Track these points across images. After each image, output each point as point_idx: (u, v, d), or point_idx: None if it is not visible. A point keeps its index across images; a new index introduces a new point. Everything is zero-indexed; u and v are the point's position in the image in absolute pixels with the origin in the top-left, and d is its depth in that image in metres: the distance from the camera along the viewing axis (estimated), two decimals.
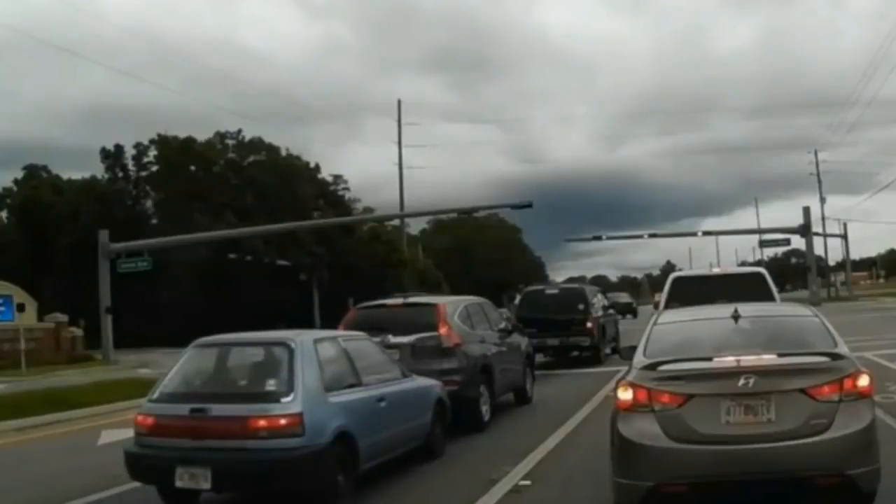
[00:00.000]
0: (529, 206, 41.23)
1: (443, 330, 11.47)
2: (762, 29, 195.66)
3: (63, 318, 33.87)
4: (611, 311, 25.53)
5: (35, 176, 55.24)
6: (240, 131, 56.69)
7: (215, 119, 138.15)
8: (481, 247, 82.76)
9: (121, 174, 54.31)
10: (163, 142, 53.06)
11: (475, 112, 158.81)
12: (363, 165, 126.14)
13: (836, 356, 5.97)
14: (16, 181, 56.51)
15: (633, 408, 5.94)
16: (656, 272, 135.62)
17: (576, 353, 21.35)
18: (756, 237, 71.24)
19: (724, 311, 6.83)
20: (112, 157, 53.94)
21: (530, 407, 13.77)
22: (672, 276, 15.91)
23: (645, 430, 5.81)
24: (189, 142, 53.23)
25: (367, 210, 58.22)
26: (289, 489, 7.14)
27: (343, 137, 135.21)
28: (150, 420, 7.40)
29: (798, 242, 62.31)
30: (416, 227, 75.11)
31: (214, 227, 44.31)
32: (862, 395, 5.78)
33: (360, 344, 8.98)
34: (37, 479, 9.58)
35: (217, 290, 46.47)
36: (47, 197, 51.39)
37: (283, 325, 13.60)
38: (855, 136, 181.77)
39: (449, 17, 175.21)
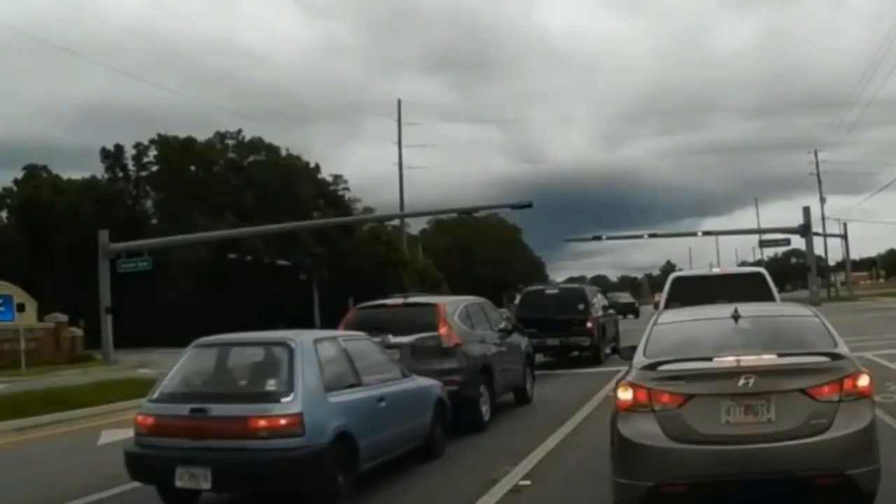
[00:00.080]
0: (529, 206, 41.25)
1: (443, 330, 11.47)
2: (762, 29, 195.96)
3: (63, 318, 33.87)
4: (611, 311, 25.53)
5: (35, 176, 55.25)
6: (240, 131, 56.81)
7: (215, 119, 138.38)
8: (481, 247, 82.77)
9: (121, 174, 54.31)
10: (163, 142, 53.07)
11: (475, 112, 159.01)
12: (363, 165, 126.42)
13: (836, 356, 5.97)
14: (16, 181, 56.55)
15: (633, 408, 5.94)
16: (656, 272, 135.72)
17: (576, 353, 21.35)
18: (756, 237, 71.32)
19: (724, 311, 6.83)
20: (112, 157, 53.96)
21: (530, 407, 13.77)
22: (672, 276, 15.91)
23: (645, 430, 5.81)
24: (189, 142, 53.23)
25: (367, 210, 58.24)
26: (289, 489, 7.14)
27: (343, 137, 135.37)
28: (150, 420, 7.40)
29: (798, 242, 62.39)
30: (416, 227, 75.26)
31: (214, 227, 44.31)
32: (862, 395, 5.78)
33: (360, 344, 8.98)
34: (37, 479, 9.59)
35: (217, 290, 46.47)
36: (47, 197, 51.39)
37: (283, 325, 13.60)
38: (855, 136, 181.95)
39: (449, 17, 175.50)
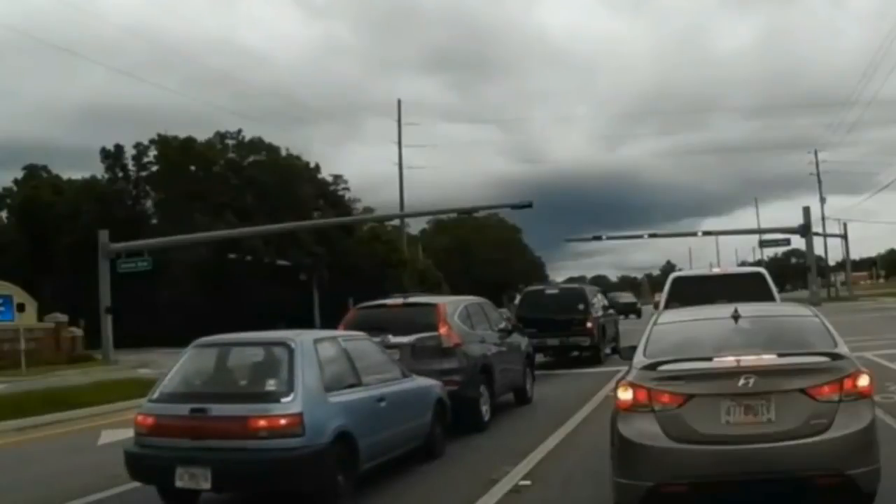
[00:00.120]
0: (529, 206, 41.25)
1: (443, 330, 11.47)
2: (762, 29, 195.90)
3: (63, 318, 33.87)
4: (611, 311, 25.53)
5: (35, 176, 55.26)
6: (240, 131, 56.81)
7: (215, 119, 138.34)
8: (481, 247, 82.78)
9: (121, 174, 54.32)
10: (163, 142, 53.07)
11: (475, 112, 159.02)
12: (363, 165, 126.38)
13: (836, 356, 5.97)
14: (16, 181, 56.56)
15: (633, 408, 5.94)
16: (656, 272, 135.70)
17: (576, 353, 21.35)
18: (756, 237, 71.34)
19: (724, 311, 6.83)
20: (112, 157, 53.96)
21: (530, 407, 13.77)
22: (672, 276, 15.91)
23: (645, 430, 5.81)
24: (189, 142, 53.23)
25: (367, 210, 58.24)
26: (289, 489, 7.14)
27: (343, 137, 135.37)
28: (150, 420, 7.40)
29: (798, 242, 62.42)
30: (416, 227, 75.25)
31: (214, 227, 44.31)
32: (862, 395, 5.78)
33: (360, 344, 8.98)
34: (37, 479, 9.59)
35: (217, 290, 46.46)
36: (47, 197, 51.40)
37: (283, 325, 13.60)
38: (855, 136, 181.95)
39: (449, 17, 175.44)
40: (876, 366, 14.70)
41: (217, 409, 7.14)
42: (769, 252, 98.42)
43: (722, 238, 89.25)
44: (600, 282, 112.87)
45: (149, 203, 55.13)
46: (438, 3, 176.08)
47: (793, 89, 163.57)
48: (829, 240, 76.79)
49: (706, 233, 75.16)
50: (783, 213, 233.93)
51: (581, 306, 21.46)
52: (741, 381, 5.69)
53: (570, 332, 20.93)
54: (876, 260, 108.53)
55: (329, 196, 57.53)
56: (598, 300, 23.67)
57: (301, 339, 7.74)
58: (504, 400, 13.38)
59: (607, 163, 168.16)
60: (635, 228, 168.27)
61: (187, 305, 42.86)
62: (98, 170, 54.43)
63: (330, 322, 19.37)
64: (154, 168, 53.92)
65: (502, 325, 14.05)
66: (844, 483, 5.63)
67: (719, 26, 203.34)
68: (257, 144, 56.21)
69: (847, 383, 5.75)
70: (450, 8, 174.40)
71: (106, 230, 35.75)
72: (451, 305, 12.37)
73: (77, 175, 56.48)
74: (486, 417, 11.69)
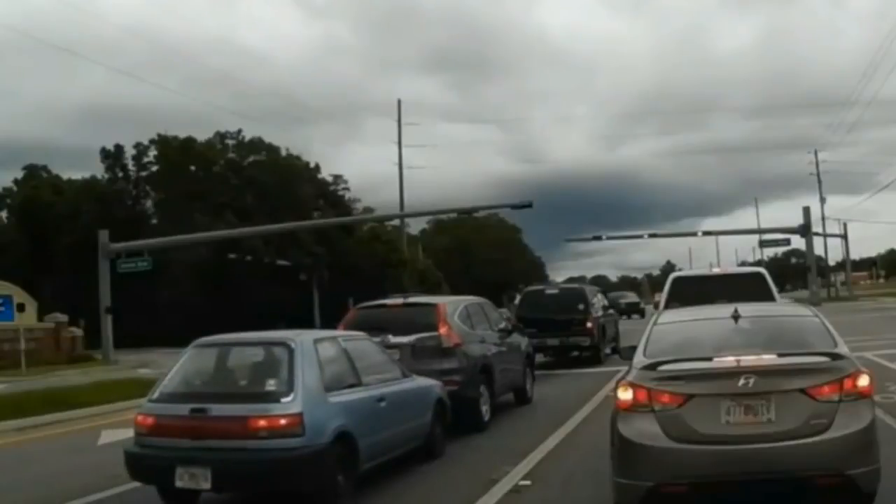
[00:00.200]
0: (529, 206, 41.26)
1: (443, 330, 11.47)
2: (762, 29, 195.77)
3: (63, 318, 33.87)
4: (611, 311, 25.53)
5: (35, 176, 55.26)
6: (240, 131, 56.80)
7: (215, 119, 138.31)
8: (481, 247, 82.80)
9: (121, 174, 54.32)
10: (163, 142, 53.07)
11: (475, 112, 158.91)
12: (363, 165, 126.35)
13: (836, 356, 5.97)
14: (16, 181, 56.55)
15: (633, 408, 5.94)
16: (656, 272, 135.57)
17: (576, 353, 21.35)
18: (756, 237, 71.35)
19: (724, 311, 6.83)
20: (112, 157, 53.96)
21: (530, 407, 13.78)
22: (672, 276, 15.93)
23: (645, 430, 5.81)
24: (189, 142, 53.24)
25: (367, 210, 58.25)
26: (289, 489, 7.14)
27: (343, 137, 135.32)
28: (150, 420, 7.41)
29: (798, 242, 62.42)
30: (416, 227, 75.25)
31: (214, 227, 44.31)
32: (862, 395, 5.79)
33: (360, 344, 8.99)
34: (37, 479, 9.59)
35: (217, 290, 46.47)
36: (47, 197, 51.40)
37: (283, 325, 13.60)
38: (855, 136, 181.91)
39: (449, 17, 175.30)
40: (876, 366, 14.70)
41: (217, 409, 7.14)
42: (769, 252, 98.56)
43: (722, 238, 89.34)
44: (600, 282, 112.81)
45: (149, 203, 55.16)
46: (438, 3, 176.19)
47: (793, 89, 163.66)
48: (829, 240, 76.91)
49: (706, 233, 75.21)
50: (783, 213, 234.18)
51: (581, 306, 21.46)
52: (741, 381, 5.69)
53: (570, 332, 20.93)
54: (876, 260, 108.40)
55: (329, 196, 57.53)
56: (598, 300, 23.67)
57: (301, 339, 7.74)
58: (504, 400, 13.38)
59: (607, 163, 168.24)
60: (635, 228, 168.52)
61: (187, 305, 42.86)
62: (98, 170, 54.57)
63: (330, 322, 19.37)
64: (154, 168, 53.92)
65: (502, 325, 14.05)
66: (844, 483, 5.63)
67: (719, 26, 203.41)
68: (257, 144, 56.21)
69: (847, 383, 5.75)
70: (450, 8, 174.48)
71: (106, 230, 35.76)
72: (451, 305, 12.37)
73: (77, 175, 56.62)
74: (486, 417, 11.69)
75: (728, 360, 5.89)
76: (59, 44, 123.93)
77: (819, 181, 71.92)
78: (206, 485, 7.02)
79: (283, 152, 56.20)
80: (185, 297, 44.79)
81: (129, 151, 53.85)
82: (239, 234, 43.78)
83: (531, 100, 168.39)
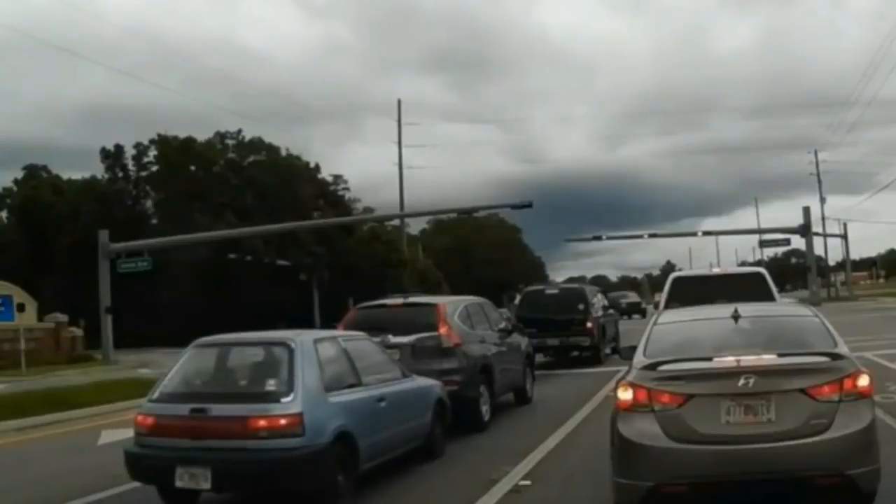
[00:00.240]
0: (529, 206, 41.27)
1: (443, 330, 11.47)
2: (762, 29, 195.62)
3: (63, 318, 33.87)
4: (611, 310, 25.53)
5: (35, 176, 55.27)
6: (240, 131, 56.82)
7: (215, 119, 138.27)
8: (481, 247, 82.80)
9: (121, 174, 54.33)
10: (163, 142, 53.08)
11: (475, 112, 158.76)
12: (363, 165, 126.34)
13: (836, 356, 5.97)
14: (16, 181, 56.56)
15: (633, 408, 5.94)
16: (656, 272, 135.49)
17: (576, 353, 21.35)
18: (756, 237, 71.34)
19: (724, 311, 6.83)
20: (112, 157, 53.97)
21: (530, 407, 13.78)
22: (672, 276, 15.93)
23: (645, 430, 5.81)
24: (189, 142, 53.25)
25: (367, 210, 58.25)
26: (289, 489, 7.14)
27: (343, 137, 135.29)
28: (150, 420, 7.41)
29: (798, 242, 62.41)
30: (416, 227, 75.25)
31: (214, 227, 44.32)
32: (862, 395, 5.79)
33: (360, 344, 8.99)
34: (37, 479, 9.59)
35: (217, 290, 46.48)
36: (47, 197, 51.41)
37: (283, 325, 13.60)
38: (855, 136, 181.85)
39: (449, 17, 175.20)
40: (876, 366, 14.70)
41: (217, 409, 7.14)
42: (769, 252, 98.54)
43: (722, 238, 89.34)
44: (600, 282, 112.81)
45: (149, 203, 55.17)
46: (438, 3, 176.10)
47: (793, 89, 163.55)
48: (829, 240, 76.90)
49: (706, 233, 75.20)
50: (783, 213, 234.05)
51: (581, 306, 21.46)
52: (741, 381, 5.69)
53: (570, 332, 20.94)
54: (876, 260, 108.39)
55: (329, 196, 57.54)
56: (598, 300, 23.67)
57: (301, 339, 7.74)
58: (504, 400, 13.38)
59: (607, 163, 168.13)
60: (635, 228, 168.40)
61: (187, 305, 42.87)
62: (98, 170, 54.58)
63: (330, 322, 19.36)
64: (154, 168, 53.94)
65: (502, 325, 14.05)
66: (844, 483, 5.63)
67: (719, 26, 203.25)
68: (257, 144, 56.23)
69: (847, 383, 5.75)
70: (450, 8, 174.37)
71: (106, 230, 35.76)
72: (451, 305, 12.37)
73: (77, 175, 56.63)
74: (486, 417, 11.69)
75: (728, 360, 5.89)
76: (59, 44, 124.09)
77: (819, 181, 72.02)
78: (206, 485, 7.02)
79: (283, 152, 56.25)
80: (185, 297, 44.80)
81: (129, 151, 53.99)
82: (239, 234, 43.79)
83: (531, 100, 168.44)
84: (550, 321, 20.51)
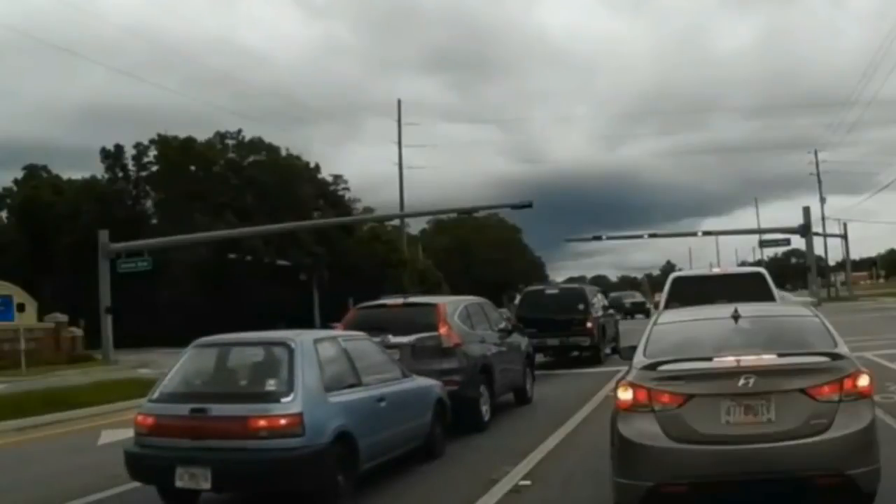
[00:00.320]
0: (529, 206, 41.27)
1: (443, 330, 11.48)
2: (762, 29, 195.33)
3: (63, 318, 33.88)
4: (611, 310, 25.54)
5: (35, 176, 55.27)
6: (240, 131, 56.79)
7: (215, 119, 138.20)
8: (481, 247, 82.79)
9: (121, 174, 54.32)
10: (163, 142, 53.08)
11: (475, 112, 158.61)
12: (363, 165, 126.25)
13: (836, 356, 5.97)
14: (16, 181, 56.55)
15: (633, 408, 5.94)
16: (656, 272, 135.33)
17: (576, 353, 21.36)
18: (756, 237, 71.27)
19: (724, 311, 6.84)
20: (112, 157, 53.96)
21: (530, 407, 13.78)
22: (672, 276, 15.92)
23: (645, 430, 5.81)
24: (189, 142, 53.24)
25: (367, 210, 58.25)
26: (289, 489, 7.14)
27: (343, 137, 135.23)
28: (150, 420, 7.41)
29: (798, 242, 62.34)
30: (416, 227, 75.24)
31: (214, 227, 44.31)
32: (862, 395, 5.79)
33: (360, 344, 8.99)
34: (37, 479, 9.59)
35: (217, 290, 46.47)
36: (47, 197, 51.41)
37: (283, 325, 13.60)
38: (855, 136, 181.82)
39: (449, 17, 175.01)
40: (876, 366, 14.70)
41: (217, 409, 7.14)
42: (769, 252, 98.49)
43: (722, 238, 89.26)
44: (600, 282, 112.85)
45: (149, 203, 55.16)
46: (438, 3, 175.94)
47: (793, 89, 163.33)
48: (829, 240, 76.92)
49: (706, 233, 75.13)
50: (783, 213, 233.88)
51: (581, 306, 21.47)
52: (741, 381, 5.69)
53: (570, 332, 20.95)
54: (876, 260, 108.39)
55: (329, 196, 57.53)
56: (598, 300, 23.68)
57: (301, 339, 7.75)
58: (504, 400, 13.38)
59: (607, 163, 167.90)
60: (635, 228, 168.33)
61: (187, 305, 42.87)
62: (98, 170, 54.55)
63: (330, 322, 19.35)
64: (154, 168, 53.92)
65: (502, 325, 14.05)
66: (844, 483, 5.63)
67: (719, 26, 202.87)
68: (257, 144, 56.22)
69: (847, 383, 5.76)
70: (450, 8, 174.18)
71: (106, 230, 35.76)
72: (451, 305, 12.38)
73: (77, 175, 56.59)
74: (486, 417, 11.69)
75: (728, 360, 5.89)
76: (59, 44, 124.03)
77: (819, 181, 72.08)
78: (206, 485, 7.03)
79: (283, 152, 56.23)
80: (185, 297, 44.80)
81: (129, 151, 53.95)
82: (239, 234, 43.79)
83: (531, 100, 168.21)
84: (550, 321, 20.52)
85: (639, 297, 59.90)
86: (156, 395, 7.69)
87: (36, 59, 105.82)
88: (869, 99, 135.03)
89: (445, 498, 8.02)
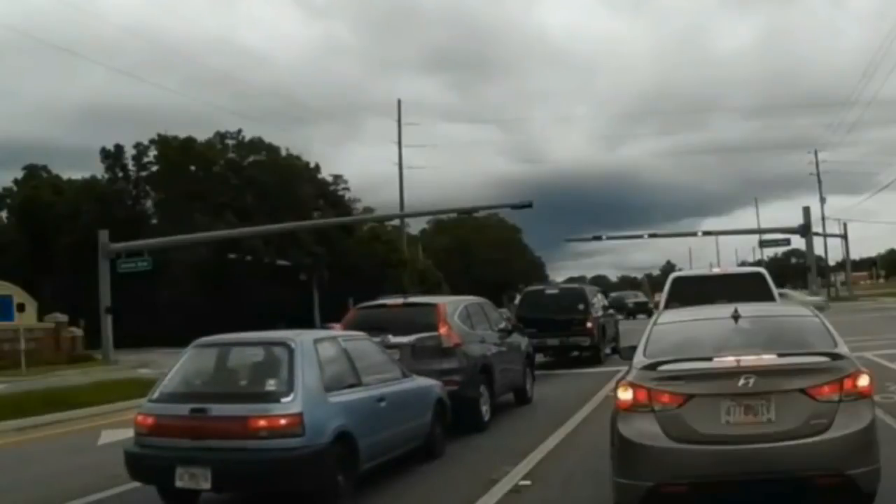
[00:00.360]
0: (529, 206, 41.26)
1: (443, 330, 11.48)
2: (762, 29, 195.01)
3: (63, 318, 33.87)
4: (611, 310, 25.54)
5: (35, 176, 55.26)
6: (240, 131, 56.75)
7: (215, 119, 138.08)
8: (481, 247, 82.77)
9: (121, 174, 54.31)
10: (163, 142, 53.07)
11: (475, 112, 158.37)
12: (363, 165, 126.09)
13: (836, 356, 5.97)
14: (16, 181, 56.53)
15: (633, 408, 5.94)
16: (656, 272, 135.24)
17: (576, 353, 21.37)
18: (756, 237, 71.14)
19: (724, 311, 6.84)
20: (112, 157, 53.95)
21: (530, 407, 13.78)
22: (672, 276, 15.93)
23: (645, 430, 5.81)
24: (189, 142, 53.23)
25: (367, 210, 58.24)
26: (289, 489, 7.15)
27: (343, 137, 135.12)
28: (150, 420, 7.41)
29: (798, 242, 62.21)
30: (416, 227, 75.20)
31: (214, 227, 44.31)
32: (862, 395, 5.79)
33: (360, 344, 8.99)
34: (37, 479, 9.59)
35: (217, 290, 46.47)
36: (47, 197, 51.40)
37: (283, 325, 13.60)
38: (855, 136, 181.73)
39: (449, 17, 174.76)
40: (876, 366, 14.69)
41: (217, 409, 7.14)
42: (769, 252, 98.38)
43: (722, 238, 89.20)
44: (600, 282, 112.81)
45: (149, 203, 55.14)
46: (438, 3, 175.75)
47: (793, 89, 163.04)
48: (829, 240, 76.97)
49: (706, 233, 75.02)
50: (783, 213, 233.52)
51: (581, 306, 21.48)
52: (741, 381, 5.69)
53: (570, 332, 20.96)
54: (876, 260, 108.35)
55: (329, 196, 57.53)
56: (598, 300, 23.69)
57: (301, 339, 7.75)
58: (504, 400, 13.39)
59: (607, 163, 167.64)
60: (635, 228, 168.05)
61: (187, 305, 42.86)
62: (98, 170, 54.52)
63: (327, 322, 19.35)
64: (154, 168, 53.90)
65: (502, 325, 14.05)
66: (844, 483, 5.63)
67: (719, 26, 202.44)
68: (257, 144, 56.21)
69: (847, 383, 5.76)
70: (450, 8, 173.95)
71: (106, 230, 35.74)
72: (451, 305, 12.38)
73: (77, 175, 56.54)
74: (486, 417, 11.69)
75: (728, 360, 5.89)
76: (59, 44, 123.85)
77: (819, 181, 72.19)
78: (206, 485, 7.03)
79: (283, 152, 56.19)
80: (185, 297, 44.79)
81: (129, 151, 53.90)
82: (239, 234, 43.78)
83: (531, 100, 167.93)
84: (550, 321, 20.53)
85: (641, 297, 59.89)
86: (156, 395, 7.69)
87: (36, 59, 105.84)
88: (869, 99, 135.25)
89: (445, 498, 8.02)
